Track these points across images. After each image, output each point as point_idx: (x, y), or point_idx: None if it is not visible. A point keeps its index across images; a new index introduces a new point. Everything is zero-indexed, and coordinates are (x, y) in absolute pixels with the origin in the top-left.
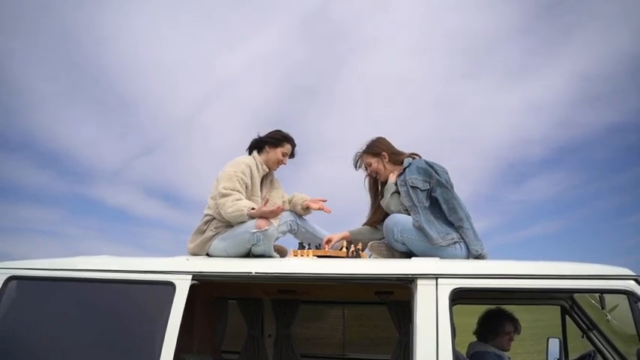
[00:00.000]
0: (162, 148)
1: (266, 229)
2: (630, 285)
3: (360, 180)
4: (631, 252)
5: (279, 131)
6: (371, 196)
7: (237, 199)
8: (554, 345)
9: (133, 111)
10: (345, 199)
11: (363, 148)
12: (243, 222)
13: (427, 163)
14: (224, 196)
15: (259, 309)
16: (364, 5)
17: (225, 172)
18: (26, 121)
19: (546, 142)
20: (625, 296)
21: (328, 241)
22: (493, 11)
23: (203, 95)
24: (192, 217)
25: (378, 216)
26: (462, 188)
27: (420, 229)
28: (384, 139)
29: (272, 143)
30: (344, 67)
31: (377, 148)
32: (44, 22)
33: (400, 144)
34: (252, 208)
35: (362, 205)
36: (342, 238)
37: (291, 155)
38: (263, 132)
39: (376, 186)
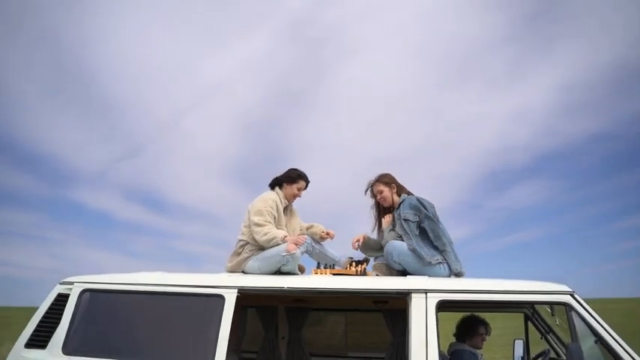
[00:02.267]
0: (147, 152)
1: (294, 253)
2: (567, 299)
3: (342, 188)
4: (607, 260)
5: (295, 170)
6: (374, 215)
7: (271, 228)
8: (519, 345)
9: (117, 114)
10: (330, 202)
11: (377, 178)
12: (274, 246)
13: (418, 200)
14: (259, 225)
15: (274, 315)
16: (351, 12)
17: (256, 207)
18: (7, 122)
19: (529, 150)
20: (564, 307)
21: (358, 240)
22: (479, 21)
23: (188, 99)
24: (177, 223)
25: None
26: (446, 195)
27: (413, 251)
28: (391, 174)
29: (289, 181)
30: (330, 72)
31: (388, 179)
32: (27, 23)
33: (385, 150)
34: (284, 237)
35: (344, 210)
36: (362, 237)
37: (305, 188)
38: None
39: (379, 208)
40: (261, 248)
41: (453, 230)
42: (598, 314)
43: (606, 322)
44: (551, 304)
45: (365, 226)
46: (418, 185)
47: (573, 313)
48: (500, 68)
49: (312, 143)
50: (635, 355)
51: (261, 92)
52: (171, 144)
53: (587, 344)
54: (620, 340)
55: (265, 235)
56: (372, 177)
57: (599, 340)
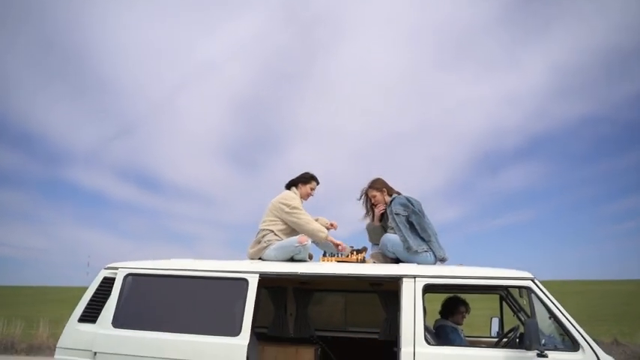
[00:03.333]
0: (139, 131)
1: (305, 244)
2: (529, 283)
3: (336, 169)
4: (599, 240)
5: (308, 173)
6: (368, 214)
7: (310, 218)
8: (495, 322)
9: (110, 93)
10: (323, 184)
11: (370, 185)
12: (317, 236)
13: (407, 198)
14: (299, 215)
15: (284, 295)
16: None
17: (287, 201)
18: None
19: (521, 132)
20: (527, 290)
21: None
22: (473, 3)
23: (181, 78)
24: (170, 202)
25: (377, 230)
26: (439, 176)
27: (403, 242)
28: (382, 179)
29: (303, 182)
30: (324, 53)
31: (379, 185)
32: (16, 2)
33: (378, 132)
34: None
35: (337, 191)
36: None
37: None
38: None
39: (372, 208)
40: (279, 239)
41: (447, 211)
42: (585, 295)
43: (595, 302)
44: (516, 288)
45: (357, 209)
46: (412, 166)
47: (533, 295)
48: (494, 51)
49: (306, 124)
50: (580, 330)
51: (255, 73)
52: (164, 124)
53: (543, 321)
54: (569, 317)
55: (309, 223)
56: (365, 183)
57: (553, 317)
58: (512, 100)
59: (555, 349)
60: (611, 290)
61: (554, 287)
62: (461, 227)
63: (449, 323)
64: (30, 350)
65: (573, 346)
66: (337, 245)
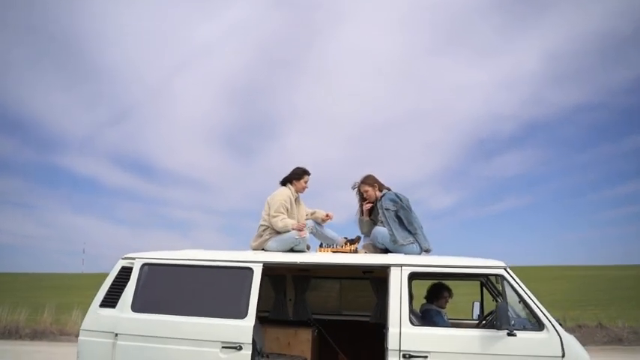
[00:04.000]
0: (133, 117)
1: (305, 236)
2: (502, 272)
3: (330, 154)
4: (594, 226)
5: (299, 168)
6: (359, 203)
7: (284, 218)
8: (477, 306)
9: (104, 79)
10: (317, 169)
11: (362, 180)
12: (287, 231)
13: (395, 194)
14: (275, 217)
15: (283, 282)
16: None
17: (275, 200)
18: None
19: (516, 118)
20: (500, 277)
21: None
22: None
23: (176, 64)
24: (164, 189)
25: (368, 223)
26: (434, 162)
27: (391, 234)
28: (373, 175)
29: (297, 177)
30: (319, 37)
31: (371, 181)
32: None
33: (373, 117)
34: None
35: (332, 177)
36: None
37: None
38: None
39: (363, 199)
40: (278, 232)
41: (443, 197)
42: (576, 280)
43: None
44: (491, 275)
45: (352, 194)
46: (407, 152)
47: (505, 282)
48: (489, 36)
49: (301, 110)
50: (545, 312)
51: (250, 58)
52: (159, 110)
53: (514, 304)
54: (536, 301)
55: (280, 222)
56: (358, 178)
57: (522, 301)
58: (508, 86)
59: (523, 329)
60: (602, 275)
61: (546, 272)
62: (457, 213)
63: (433, 307)
64: (34, 336)
65: (539, 326)
66: (327, 217)
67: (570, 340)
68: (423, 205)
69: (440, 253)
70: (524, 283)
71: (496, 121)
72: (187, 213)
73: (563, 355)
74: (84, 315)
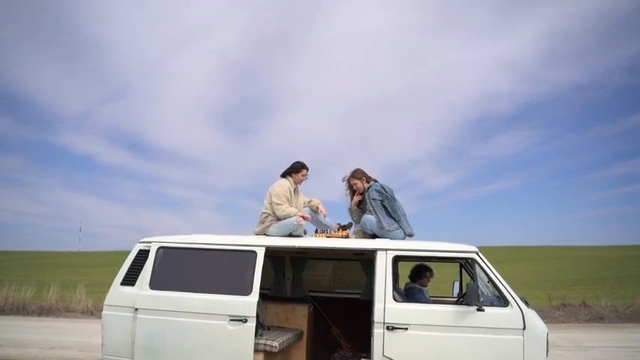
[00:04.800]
0: (129, 95)
1: (302, 223)
2: (473, 255)
3: (326, 133)
4: (592, 207)
5: (299, 162)
6: (351, 198)
7: (286, 207)
8: (456, 285)
9: (99, 56)
10: (314, 149)
11: (351, 174)
12: (287, 218)
13: (381, 186)
14: (278, 205)
15: (282, 263)
16: None
17: (276, 191)
18: None
19: (512, 98)
20: (472, 260)
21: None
22: None
23: (171, 41)
24: (161, 167)
25: (357, 211)
26: (430, 141)
27: (378, 222)
28: (361, 169)
29: (295, 171)
30: (315, 15)
31: (359, 174)
32: None
33: (369, 96)
34: (295, 212)
35: (328, 155)
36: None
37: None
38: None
39: (353, 191)
40: (279, 219)
41: (438, 177)
42: (566, 260)
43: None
44: (465, 259)
45: (344, 169)
46: (403, 130)
47: (476, 265)
48: (486, 15)
49: (297, 88)
50: (510, 291)
51: (246, 35)
52: (154, 87)
53: (484, 284)
54: (502, 281)
55: (283, 211)
56: (347, 173)
57: (490, 281)
58: (504, 65)
59: (491, 305)
60: (596, 255)
61: (542, 252)
62: (452, 193)
63: (416, 285)
64: (40, 312)
65: (504, 303)
66: (321, 211)
67: (531, 315)
68: (419, 185)
69: (435, 233)
70: (517, 263)
71: (492, 100)
72: (184, 191)
73: (524, 327)
74: (87, 293)
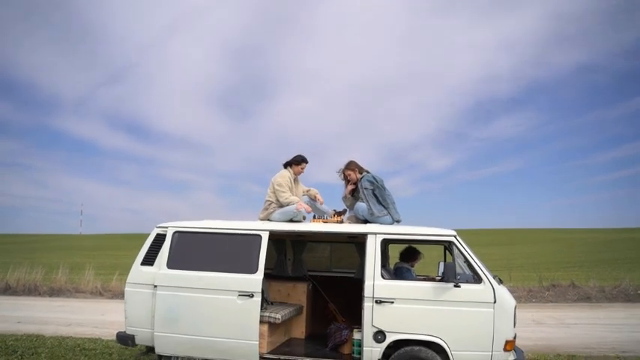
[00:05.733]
0: (128, 78)
1: (301, 210)
2: (452, 239)
3: (326, 116)
4: (589, 191)
5: (300, 155)
6: (345, 187)
7: (289, 195)
8: (441, 265)
9: (97, 39)
10: (314, 132)
11: (346, 166)
12: (289, 205)
13: (373, 176)
14: (282, 192)
15: (284, 245)
16: None
17: (278, 181)
18: None
19: (515, 80)
20: (450, 243)
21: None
22: None
23: (170, 23)
24: (162, 150)
25: (351, 199)
26: (431, 123)
27: (369, 208)
28: (355, 161)
29: (295, 163)
30: None
31: (353, 166)
32: None
33: (370, 78)
34: (298, 201)
35: (328, 138)
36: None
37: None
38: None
39: (347, 181)
40: (281, 206)
41: (437, 159)
42: (561, 242)
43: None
44: (444, 242)
45: (345, 153)
46: (404, 113)
47: (454, 247)
48: None
49: (298, 71)
50: (484, 269)
51: (246, 17)
52: (153, 70)
53: (460, 264)
54: (477, 261)
55: (286, 199)
56: (342, 164)
57: (466, 261)
58: (507, 47)
59: (466, 282)
60: (590, 238)
61: (538, 235)
62: (451, 175)
63: (405, 265)
64: (52, 293)
65: (478, 280)
66: (318, 200)
67: (501, 291)
68: (419, 168)
69: (433, 215)
70: (513, 246)
71: (493, 82)
72: (184, 174)
73: (495, 301)
74: (95, 275)
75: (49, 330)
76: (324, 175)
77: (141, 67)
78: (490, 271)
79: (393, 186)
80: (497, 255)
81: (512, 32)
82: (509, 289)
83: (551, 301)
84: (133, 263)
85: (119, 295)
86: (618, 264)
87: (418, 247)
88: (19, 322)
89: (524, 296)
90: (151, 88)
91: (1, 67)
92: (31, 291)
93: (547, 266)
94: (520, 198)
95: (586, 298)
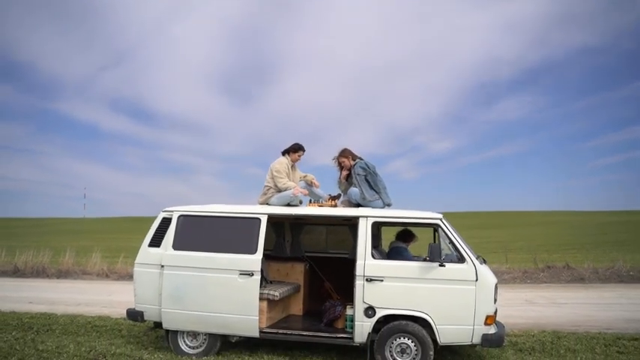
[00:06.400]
0: (130, 60)
1: (298, 195)
2: (438, 221)
3: (329, 97)
4: (593, 173)
5: (297, 144)
6: (338, 171)
7: (286, 180)
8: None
9: (99, 21)
10: (316, 115)
11: (340, 154)
12: (286, 190)
13: (365, 163)
14: (280, 178)
15: (282, 228)
16: None
17: (277, 168)
18: None
19: (519, 62)
20: (436, 226)
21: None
22: None
23: (173, 4)
24: (164, 133)
25: (345, 184)
26: (433, 106)
27: (361, 193)
28: (348, 148)
29: (293, 151)
30: None
31: (347, 153)
32: None
33: (373, 60)
34: (294, 186)
35: (331, 119)
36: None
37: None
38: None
39: (341, 168)
40: (279, 191)
41: (440, 142)
42: (562, 225)
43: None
44: (432, 225)
45: (347, 135)
46: (407, 95)
47: (440, 229)
48: None
49: (300, 53)
50: (467, 250)
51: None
52: (155, 52)
53: (444, 245)
54: (461, 242)
55: (284, 184)
56: (336, 152)
57: (451, 242)
58: (511, 28)
59: (450, 261)
60: (587, 221)
61: (541, 217)
62: (454, 158)
63: (401, 244)
64: (59, 275)
65: (461, 260)
66: (314, 184)
67: (483, 270)
68: (421, 151)
69: (435, 198)
70: (514, 228)
71: (498, 64)
72: (187, 157)
73: (477, 280)
74: (102, 257)
75: (59, 309)
76: (326, 158)
77: (142, 50)
78: (474, 252)
79: (395, 169)
80: (496, 237)
81: (517, 14)
82: (504, 271)
83: (546, 282)
84: (138, 246)
85: (125, 276)
86: (616, 246)
87: (414, 231)
88: (30, 303)
89: (520, 277)
90: (152, 71)
91: (4, 51)
92: (39, 273)
93: (546, 248)
94: (522, 180)
95: (580, 279)
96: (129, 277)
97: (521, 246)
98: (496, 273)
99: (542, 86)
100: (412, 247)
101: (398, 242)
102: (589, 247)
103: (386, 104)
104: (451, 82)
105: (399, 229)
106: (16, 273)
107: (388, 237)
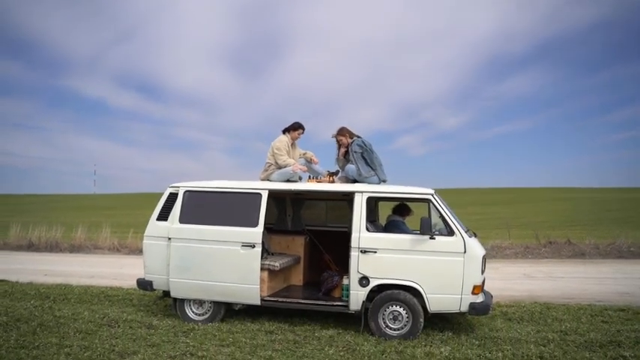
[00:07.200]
0: (138, 37)
1: (297, 171)
2: (429, 197)
3: (336, 73)
4: (605, 149)
5: (297, 123)
6: (338, 150)
7: (286, 157)
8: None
9: None
10: (325, 90)
11: (338, 132)
12: (286, 167)
13: (362, 141)
14: (280, 155)
15: (284, 203)
16: None
17: (277, 145)
18: None
19: (529, 37)
20: (428, 201)
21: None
22: None
23: None
24: (172, 109)
25: (343, 161)
26: (444, 82)
27: (357, 169)
28: (346, 127)
29: (293, 129)
30: None
31: (345, 132)
32: None
33: (383, 35)
34: (293, 163)
35: (339, 94)
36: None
37: (303, 132)
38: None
39: (339, 145)
40: (279, 167)
41: (449, 118)
42: (569, 202)
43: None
44: (424, 200)
45: (355, 111)
46: (417, 71)
47: (430, 204)
48: None
49: (309, 28)
50: (456, 223)
51: None
52: (164, 28)
53: (435, 219)
54: (450, 216)
55: (284, 161)
56: (335, 130)
57: (441, 216)
58: (521, 3)
59: (440, 234)
60: (595, 197)
61: (545, 194)
62: (463, 134)
63: (397, 217)
64: (72, 249)
65: (451, 233)
66: (313, 161)
67: (471, 242)
68: (430, 126)
69: (443, 174)
70: (521, 204)
71: (508, 40)
72: (195, 133)
73: (465, 252)
74: (112, 233)
75: (73, 281)
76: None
77: (151, 26)
78: (465, 226)
79: (403, 145)
80: (500, 213)
81: None
82: (506, 246)
83: (547, 257)
84: (147, 221)
85: (135, 251)
86: (619, 223)
87: (411, 205)
88: (45, 275)
89: (521, 252)
90: (161, 47)
91: (13, 29)
92: (53, 248)
93: (550, 224)
94: (531, 157)
95: (580, 255)
96: (139, 251)
97: (526, 222)
98: (498, 248)
99: (554, 61)
100: (409, 221)
101: (395, 216)
102: (592, 223)
103: (396, 79)
104: (460, 58)
105: (398, 204)
106: (31, 247)
107: (388, 212)
